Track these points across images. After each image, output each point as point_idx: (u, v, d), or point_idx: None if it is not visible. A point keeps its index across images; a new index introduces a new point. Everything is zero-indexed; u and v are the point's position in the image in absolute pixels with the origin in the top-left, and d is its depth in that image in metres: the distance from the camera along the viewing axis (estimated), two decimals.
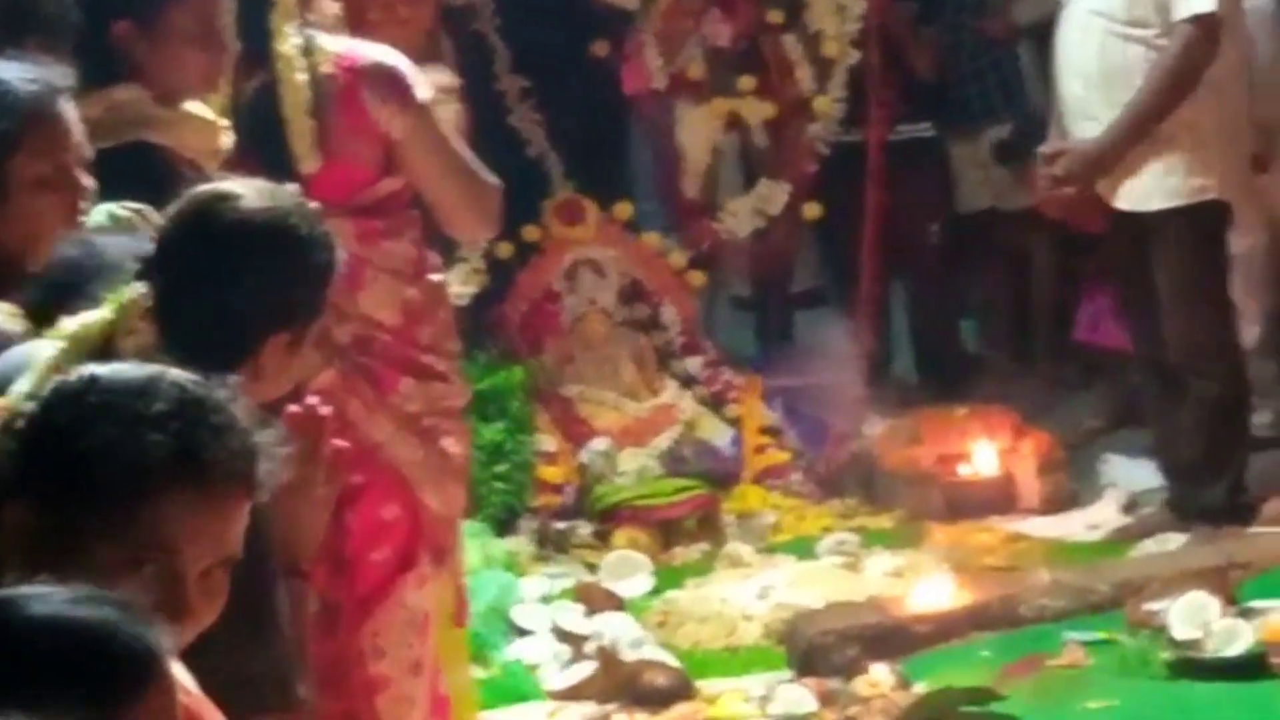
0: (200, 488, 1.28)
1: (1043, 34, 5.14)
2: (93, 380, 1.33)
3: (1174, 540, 4.33)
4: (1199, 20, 4.08)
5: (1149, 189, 4.09)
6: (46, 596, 1.01)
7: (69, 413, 1.31)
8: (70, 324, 1.73)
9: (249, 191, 1.86)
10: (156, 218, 2.30)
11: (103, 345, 1.79)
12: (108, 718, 0.98)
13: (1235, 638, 3.36)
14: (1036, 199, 4.51)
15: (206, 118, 2.86)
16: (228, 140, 2.86)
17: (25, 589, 1.01)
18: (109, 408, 1.31)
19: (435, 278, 2.99)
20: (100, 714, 0.98)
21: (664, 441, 4.87)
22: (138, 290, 1.85)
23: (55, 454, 1.29)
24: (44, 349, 1.73)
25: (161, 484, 1.26)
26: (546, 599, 4.15)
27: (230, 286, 1.79)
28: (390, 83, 2.80)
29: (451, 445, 2.92)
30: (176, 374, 1.35)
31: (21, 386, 1.48)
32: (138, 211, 2.36)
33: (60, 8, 2.62)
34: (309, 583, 2.01)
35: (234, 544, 1.36)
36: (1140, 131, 3.94)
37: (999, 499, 4.88)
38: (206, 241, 1.81)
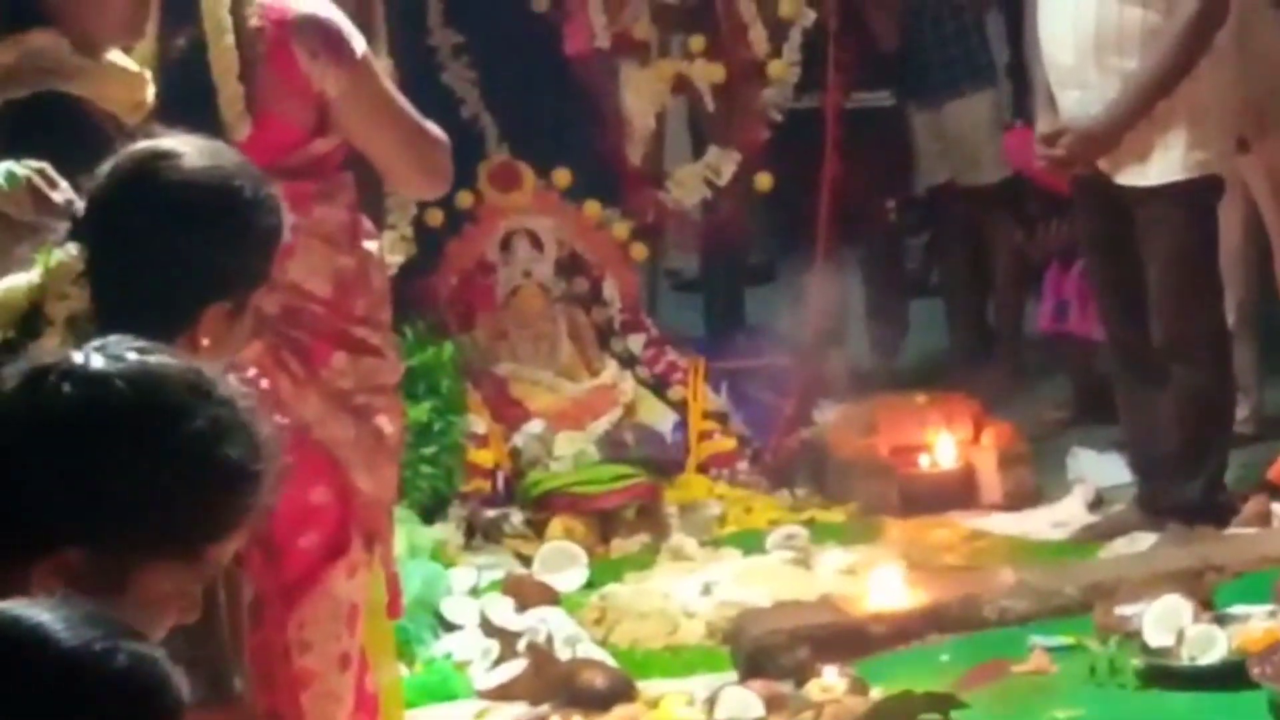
0: (253, 511, 1.32)
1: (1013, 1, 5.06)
2: (136, 409, 1.27)
3: (1145, 540, 4.29)
4: None
5: (1145, 163, 4.08)
6: (72, 628, 0.99)
7: (123, 451, 1.25)
8: None
9: (190, 150, 1.82)
10: (58, 177, 2.27)
11: (30, 311, 1.76)
12: None
13: (1211, 645, 3.35)
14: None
15: (129, 68, 2.75)
16: (150, 94, 2.72)
17: (48, 617, 0.98)
18: (160, 440, 1.27)
19: (370, 245, 2.91)
20: None
21: (602, 425, 4.82)
22: (69, 253, 1.80)
23: (114, 499, 1.25)
24: None
25: (233, 523, 1.30)
26: (475, 591, 4.10)
27: (170, 251, 1.75)
28: (323, 36, 2.73)
29: (385, 424, 2.84)
30: (207, 382, 1.32)
31: None
32: (40, 171, 2.25)
33: None
34: (244, 570, 2.02)
35: None
36: (1150, 104, 3.95)
37: (959, 493, 4.83)
38: (145, 202, 1.77)
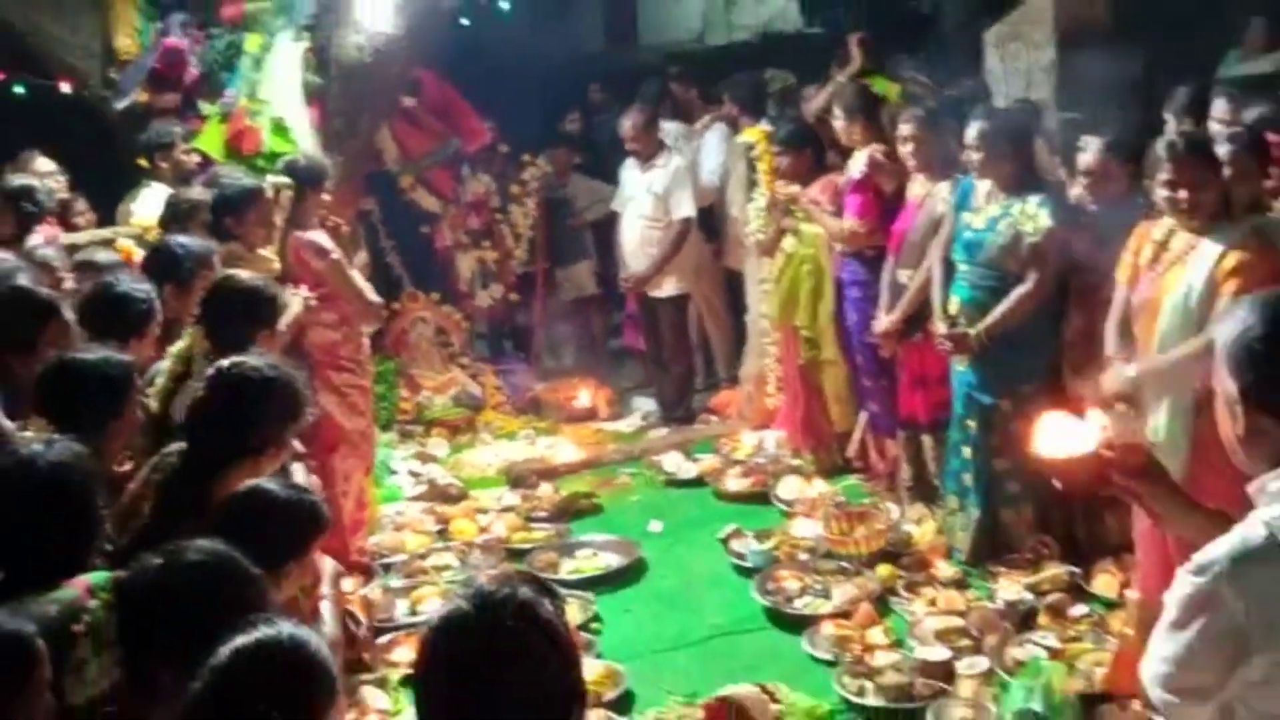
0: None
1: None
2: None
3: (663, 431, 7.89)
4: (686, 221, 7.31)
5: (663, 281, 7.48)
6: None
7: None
8: None
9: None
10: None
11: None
12: None
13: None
14: None
15: (271, 257, 5.30)
16: (278, 266, 5.36)
17: None
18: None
19: (365, 328, 6.02)
20: None
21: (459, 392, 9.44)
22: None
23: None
24: None
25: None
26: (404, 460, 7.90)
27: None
28: (316, 249, 5.69)
29: (356, 398, 6.05)
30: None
31: None
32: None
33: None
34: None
35: None
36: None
37: (587, 414, 8.30)
38: None
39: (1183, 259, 4.56)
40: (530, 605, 1.90)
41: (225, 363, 3.43)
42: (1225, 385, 2.25)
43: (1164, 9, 7.46)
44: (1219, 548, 2.13)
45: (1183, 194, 4.52)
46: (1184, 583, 2.15)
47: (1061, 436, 2.65)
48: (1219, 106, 5.81)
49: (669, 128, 8.23)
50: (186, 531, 2.56)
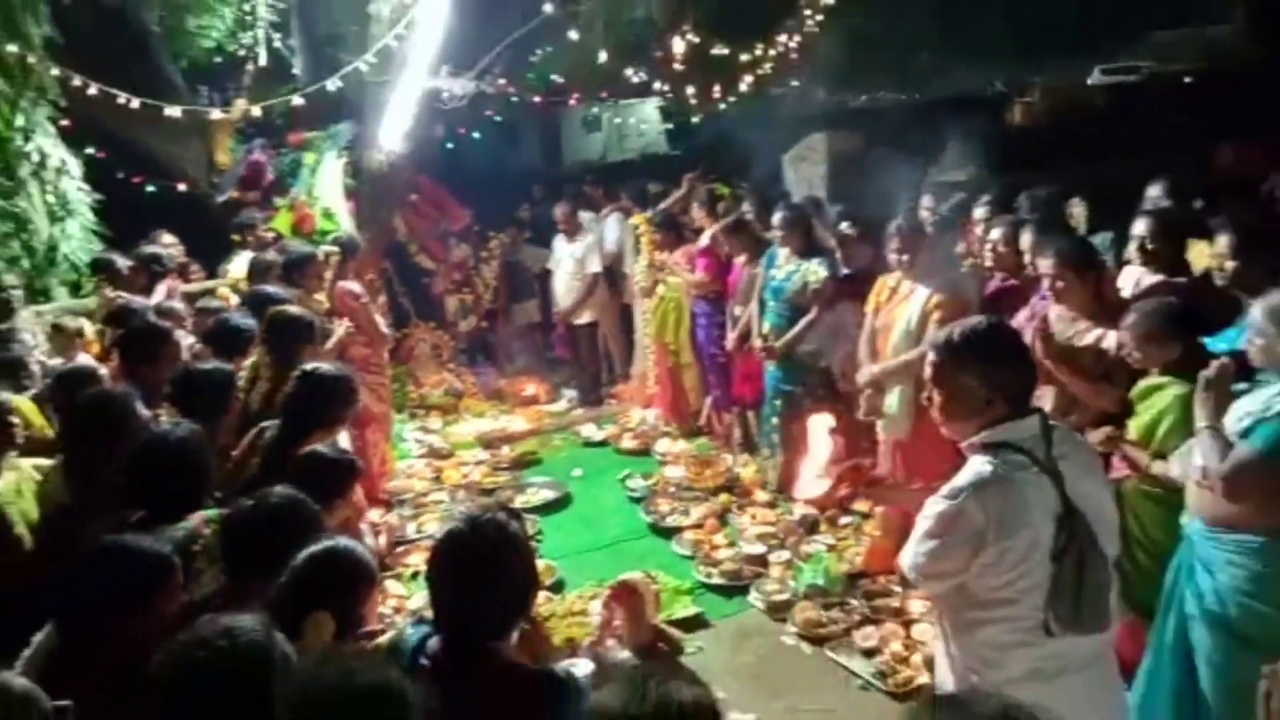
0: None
1: None
2: None
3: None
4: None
5: (581, 313, 8.26)
6: None
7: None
8: None
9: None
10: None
11: None
12: None
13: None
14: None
15: (322, 300, 6.95)
16: (326, 306, 6.93)
17: None
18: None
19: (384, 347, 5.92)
20: None
21: None
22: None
23: None
24: None
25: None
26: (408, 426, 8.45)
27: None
28: (351, 295, 5.62)
29: (381, 389, 5.99)
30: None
31: None
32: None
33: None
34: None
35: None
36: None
37: (533, 400, 8.10)
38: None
39: (906, 298, 4.67)
40: (503, 525, 1.92)
41: (308, 367, 3.34)
42: (935, 378, 2.25)
43: (898, 140, 7.64)
44: (962, 480, 2.12)
45: (905, 257, 4.63)
46: (938, 504, 2.13)
47: (815, 484, 2.55)
48: (926, 200, 5.97)
49: (584, 215, 8.06)
50: (277, 481, 2.53)
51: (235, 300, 5.38)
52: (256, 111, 6.40)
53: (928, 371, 2.25)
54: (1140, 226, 3.98)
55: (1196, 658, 2.78)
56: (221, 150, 7.16)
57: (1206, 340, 3.23)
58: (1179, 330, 3.16)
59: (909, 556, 2.20)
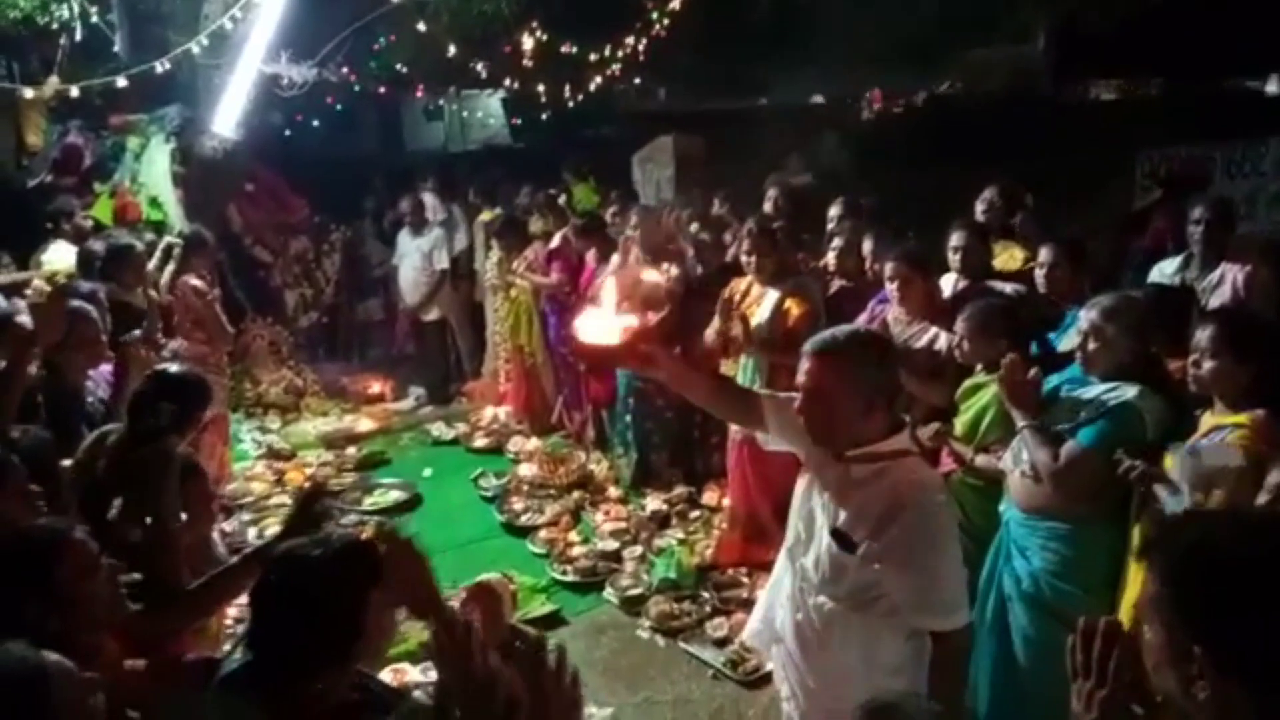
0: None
1: None
2: None
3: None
4: None
5: (429, 309, 8.48)
6: None
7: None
8: None
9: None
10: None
11: None
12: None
13: None
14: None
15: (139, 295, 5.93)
16: None
17: None
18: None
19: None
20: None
21: None
22: None
23: None
24: None
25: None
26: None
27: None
28: (195, 291, 5.40)
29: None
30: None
31: None
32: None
33: None
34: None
35: None
36: None
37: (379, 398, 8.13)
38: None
39: (758, 299, 4.82)
40: (350, 559, 1.79)
41: (159, 368, 3.17)
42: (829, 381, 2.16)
43: (739, 147, 7.82)
44: (931, 489, 2.13)
45: (756, 259, 4.81)
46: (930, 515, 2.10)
47: (596, 328, 2.31)
48: (771, 202, 6.17)
49: (431, 203, 7.94)
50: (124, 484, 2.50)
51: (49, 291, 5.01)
52: (75, 91, 5.94)
53: (816, 376, 2.13)
54: (956, 237, 4.22)
55: (1014, 634, 2.95)
56: (33, 130, 6.73)
57: (1050, 336, 3.42)
58: (1005, 326, 3.31)
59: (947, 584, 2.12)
